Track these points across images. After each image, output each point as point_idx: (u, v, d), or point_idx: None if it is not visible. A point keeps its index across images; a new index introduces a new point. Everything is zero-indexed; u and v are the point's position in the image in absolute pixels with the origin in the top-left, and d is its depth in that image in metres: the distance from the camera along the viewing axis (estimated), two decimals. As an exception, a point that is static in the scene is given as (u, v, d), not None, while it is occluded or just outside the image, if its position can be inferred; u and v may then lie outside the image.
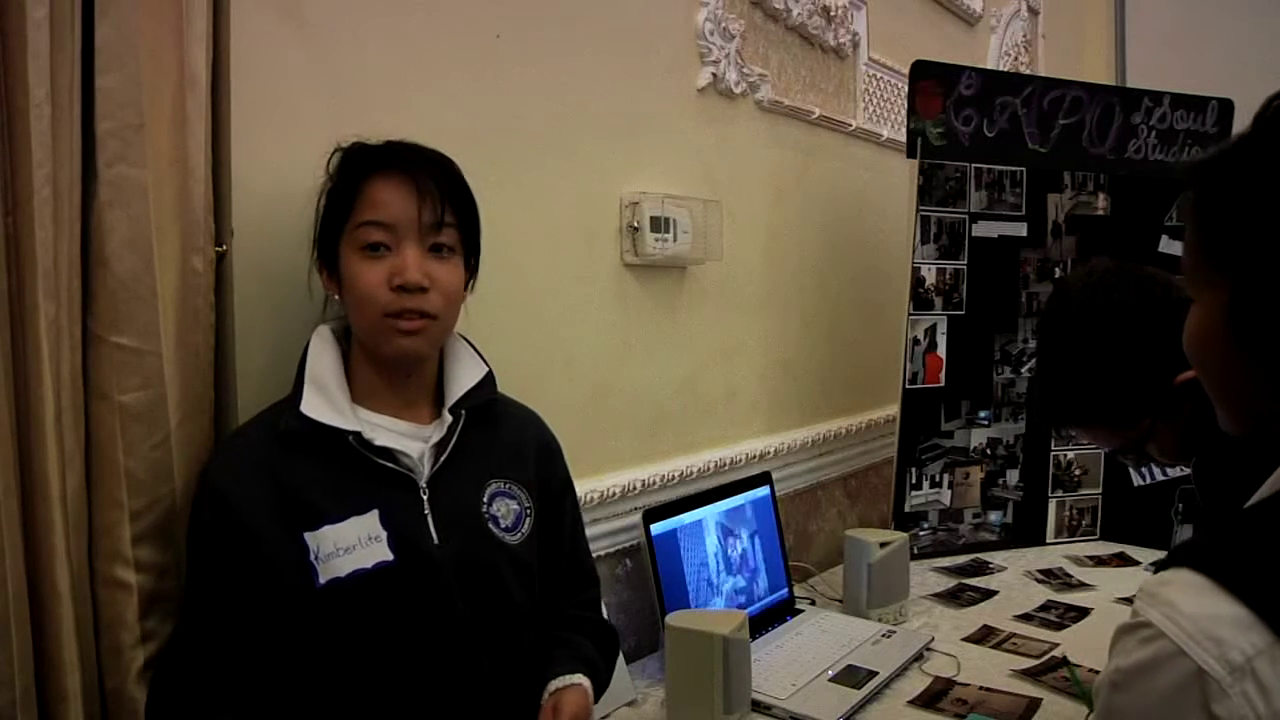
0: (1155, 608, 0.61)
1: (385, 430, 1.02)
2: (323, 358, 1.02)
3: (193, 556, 0.97)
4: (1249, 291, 0.65)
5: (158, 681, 0.97)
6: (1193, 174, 0.69)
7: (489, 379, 1.11)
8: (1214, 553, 0.63)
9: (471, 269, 1.08)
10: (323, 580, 0.95)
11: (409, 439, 1.03)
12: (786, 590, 1.71)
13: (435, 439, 1.04)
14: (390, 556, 0.97)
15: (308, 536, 0.95)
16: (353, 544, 0.96)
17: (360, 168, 1.01)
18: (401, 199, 0.99)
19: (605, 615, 1.30)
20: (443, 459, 1.04)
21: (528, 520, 1.09)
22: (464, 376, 1.09)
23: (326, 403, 0.99)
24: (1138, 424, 1.17)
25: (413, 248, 0.99)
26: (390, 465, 1.00)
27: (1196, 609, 0.60)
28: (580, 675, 1.07)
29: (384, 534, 0.97)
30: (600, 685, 1.14)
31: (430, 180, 1.00)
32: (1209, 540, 0.65)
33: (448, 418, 1.05)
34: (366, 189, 1.00)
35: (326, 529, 0.96)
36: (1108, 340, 1.17)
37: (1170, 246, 2.15)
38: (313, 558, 0.95)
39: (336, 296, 1.04)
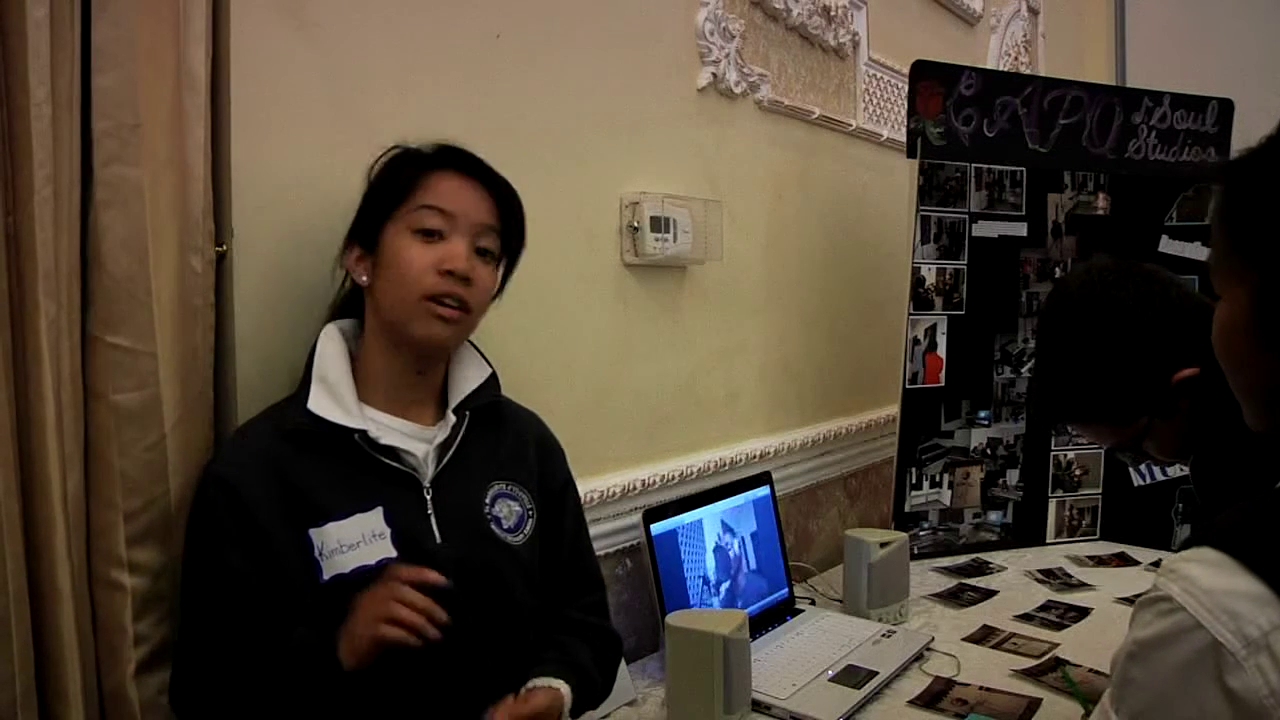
0: (1175, 582, 0.63)
1: (391, 429, 1.03)
2: (331, 356, 1.03)
3: (201, 550, 0.97)
4: (1275, 284, 0.66)
5: (179, 681, 0.97)
6: (1223, 172, 0.71)
7: (493, 380, 1.12)
8: (1234, 531, 0.64)
9: (501, 283, 1.11)
10: (326, 576, 0.95)
11: (414, 439, 1.04)
12: (786, 590, 1.71)
13: (439, 439, 1.05)
14: (393, 554, 0.97)
15: (313, 533, 0.96)
16: (357, 541, 0.97)
17: (428, 160, 1.04)
18: (467, 194, 1.03)
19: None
20: (446, 459, 1.05)
21: (530, 522, 1.10)
22: (469, 378, 1.10)
23: (333, 401, 0.99)
24: (1134, 421, 1.17)
25: (464, 241, 1.02)
26: (395, 464, 1.01)
27: (1215, 584, 0.61)
28: (560, 681, 1.05)
29: (388, 531, 0.98)
30: (592, 691, 1.12)
31: (495, 188, 1.05)
32: (1230, 520, 0.66)
33: (452, 418, 1.06)
34: (429, 179, 1.03)
35: (331, 525, 0.96)
36: (1105, 338, 1.17)
37: (1170, 246, 2.15)
38: (317, 554, 0.96)
39: (364, 279, 1.04)
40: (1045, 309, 1.32)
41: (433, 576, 0.92)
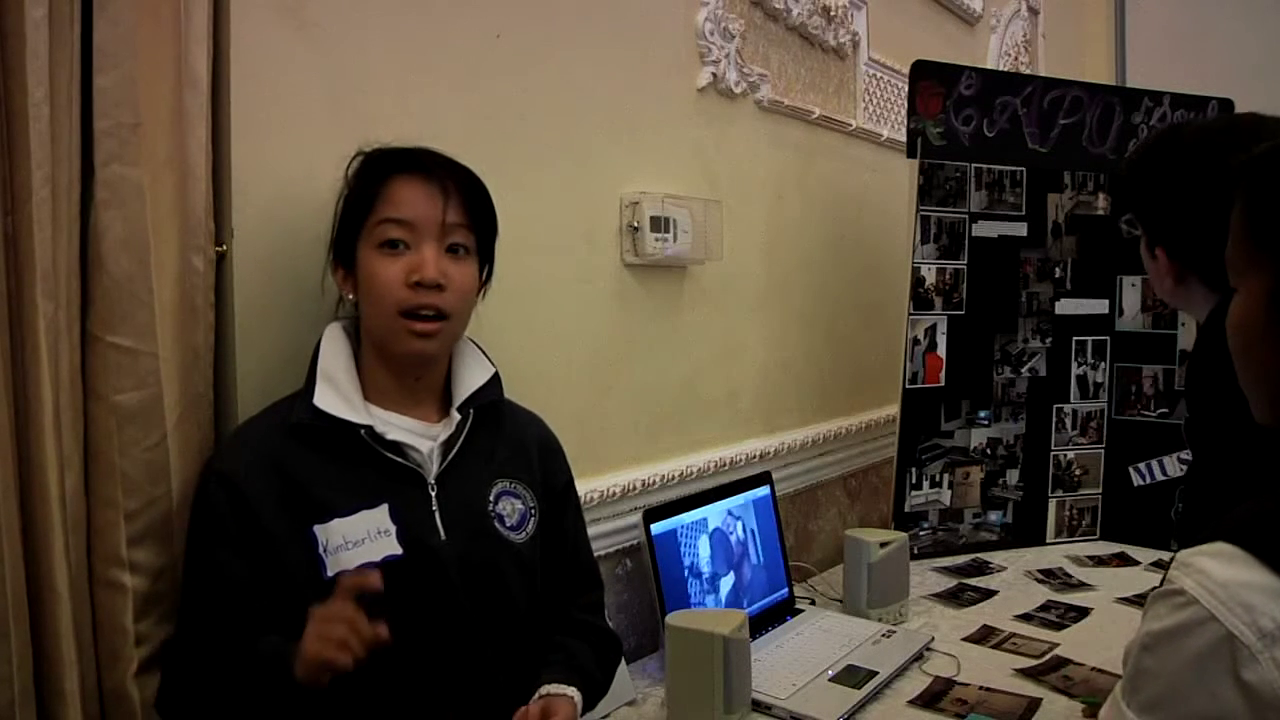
0: (1189, 575, 0.64)
1: (396, 426, 1.03)
2: (335, 354, 1.03)
3: (201, 546, 0.97)
4: None
5: (168, 675, 0.97)
6: (1241, 169, 0.72)
7: (495, 380, 1.12)
8: (1248, 525, 0.65)
9: (485, 274, 1.10)
10: (330, 573, 0.95)
11: (418, 436, 1.04)
12: (786, 590, 1.71)
13: (443, 437, 1.05)
14: (399, 550, 0.98)
15: (317, 529, 0.96)
16: (362, 537, 0.97)
17: (382, 168, 1.03)
18: (422, 198, 1.01)
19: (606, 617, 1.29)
20: (451, 457, 1.05)
21: (532, 520, 1.10)
22: (472, 377, 1.10)
23: (339, 397, 1.00)
24: (1156, 253, 1.16)
25: (431, 246, 1.01)
26: (400, 460, 1.01)
27: (1229, 577, 0.62)
28: (572, 688, 1.06)
29: (393, 528, 0.98)
30: (596, 693, 1.13)
31: (451, 181, 1.02)
32: (1243, 514, 0.67)
33: (456, 416, 1.07)
34: (388, 188, 1.01)
35: (336, 522, 0.97)
36: (1207, 171, 1.07)
37: (1170, 246, 2.15)
38: (321, 550, 0.96)
39: (351, 296, 1.04)
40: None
41: (371, 582, 0.89)
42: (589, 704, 1.10)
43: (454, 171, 1.04)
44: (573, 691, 1.05)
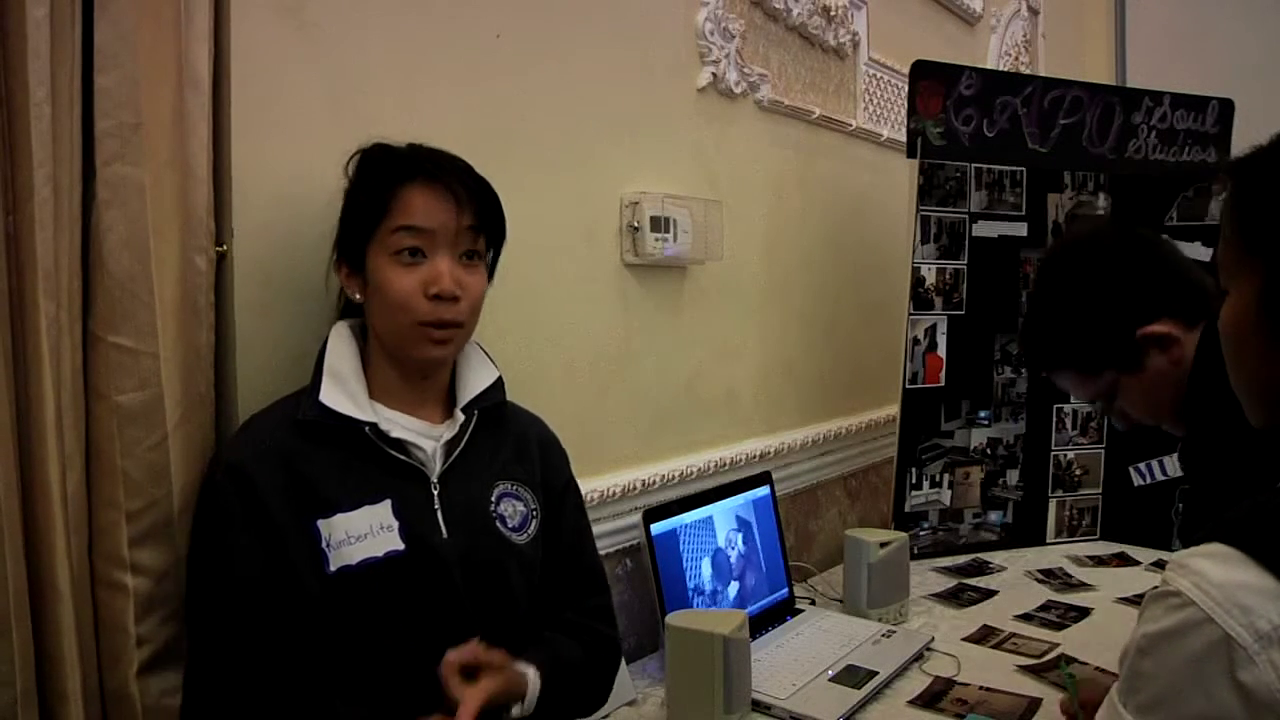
0: (1185, 576, 0.63)
1: (400, 425, 1.04)
2: (342, 353, 1.04)
3: (211, 536, 0.96)
4: None
5: (192, 681, 0.96)
6: (1232, 170, 0.72)
7: (499, 383, 1.13)
8: (1244, 526, 0.65)
9: (489, 273, 1.10)
10: (333, 567, 0.96)
11: (422, 435, 1.05)
12: (786, 590, 1.71)
13: (447, 437, 1.06)
14: (401, 546, 0.98)
15: (320, 524, 0.97)
16: (365, 532, 0.98)
17: (392, 172, 1.02)
18: (438, 206, 1.00)
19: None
20: (454, 457, 1.05)
21: (534, 521, 1.11)
22: (476, 379, 1.11)
23: (345, 394, 1.01)
24: (1100, 372, 1.18)
25: (446, 256, 1.01)
26: (403, 458, 1.02)
27: (1225, 578, 0.62)
28: (531, 668, 1.01)
29: (395, 524, 0.99)
30: (570, 688, 1.08)
31: (464, 189, 1.02)
32: (1239, 515, 0.66)
33: (460, 417, 1.07)
34: (401, 194, 1.00)
35: (339, 517, 0.97)
36: (1076, 279, 1.19)
37: (1170, 246, 2.15)
38: (324, 545, 0.96)
39: (358, 297, 1.04)
40: (1043, 258, 1.35)
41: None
42: (561, 698, 1.06)
43: (465, 177, 1.03)
44: (531, 671, 1.01)
